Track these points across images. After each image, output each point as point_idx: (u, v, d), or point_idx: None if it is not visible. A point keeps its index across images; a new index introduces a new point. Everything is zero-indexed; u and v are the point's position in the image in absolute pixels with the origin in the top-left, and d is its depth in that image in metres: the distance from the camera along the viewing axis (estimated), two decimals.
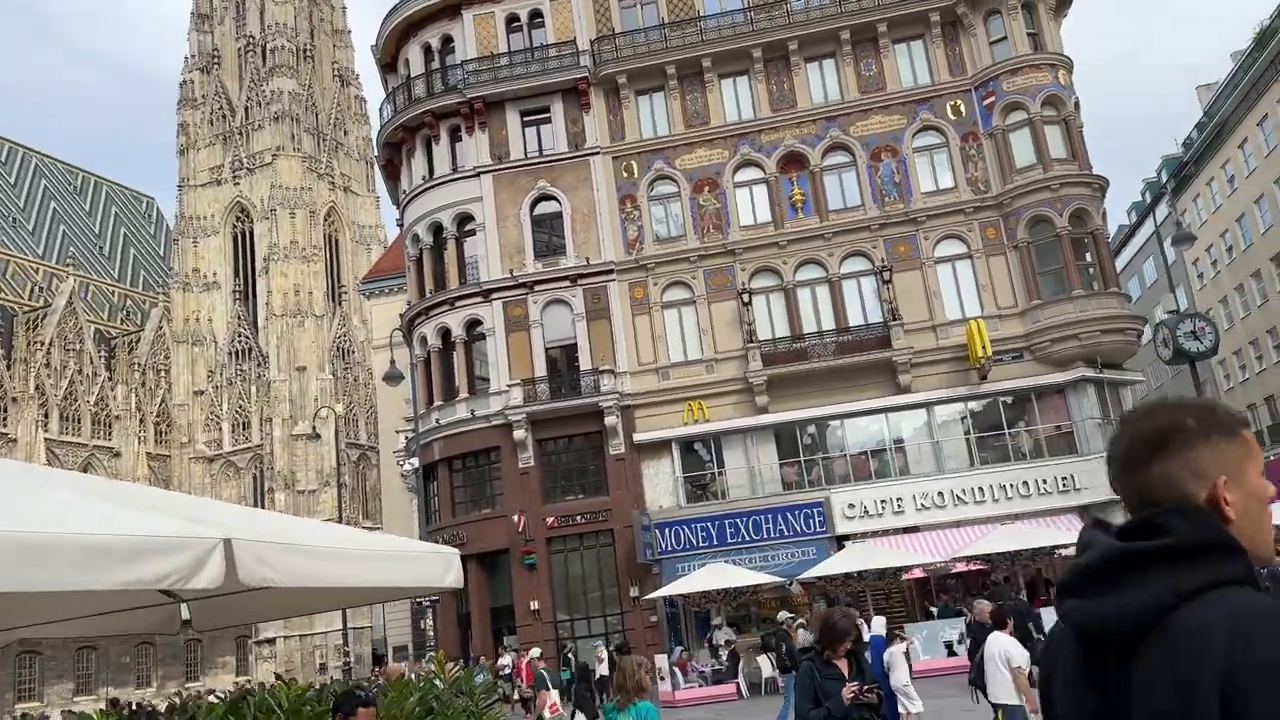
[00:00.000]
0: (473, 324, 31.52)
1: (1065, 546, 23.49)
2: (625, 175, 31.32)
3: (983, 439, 28.33)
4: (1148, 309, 41.95)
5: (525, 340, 30.79)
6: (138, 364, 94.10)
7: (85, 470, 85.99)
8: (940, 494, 27.29)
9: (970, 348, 27.58)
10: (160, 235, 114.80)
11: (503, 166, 31.96)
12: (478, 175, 32.08)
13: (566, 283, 30.92)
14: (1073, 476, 27.00)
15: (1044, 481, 27.12)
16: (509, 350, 30.79)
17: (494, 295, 31.16)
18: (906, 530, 27.05)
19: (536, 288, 31.00)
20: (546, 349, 30.78)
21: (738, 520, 28.13)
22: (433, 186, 32.70)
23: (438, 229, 32.58)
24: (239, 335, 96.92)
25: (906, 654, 12.25)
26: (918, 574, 24.96)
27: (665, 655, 23.99)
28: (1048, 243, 28.66)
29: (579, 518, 29.30)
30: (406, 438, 31.82)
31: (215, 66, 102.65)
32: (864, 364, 28.31)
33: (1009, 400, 28.37)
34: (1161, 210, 50.38)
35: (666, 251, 30.59)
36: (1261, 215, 41.41)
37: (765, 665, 22.00)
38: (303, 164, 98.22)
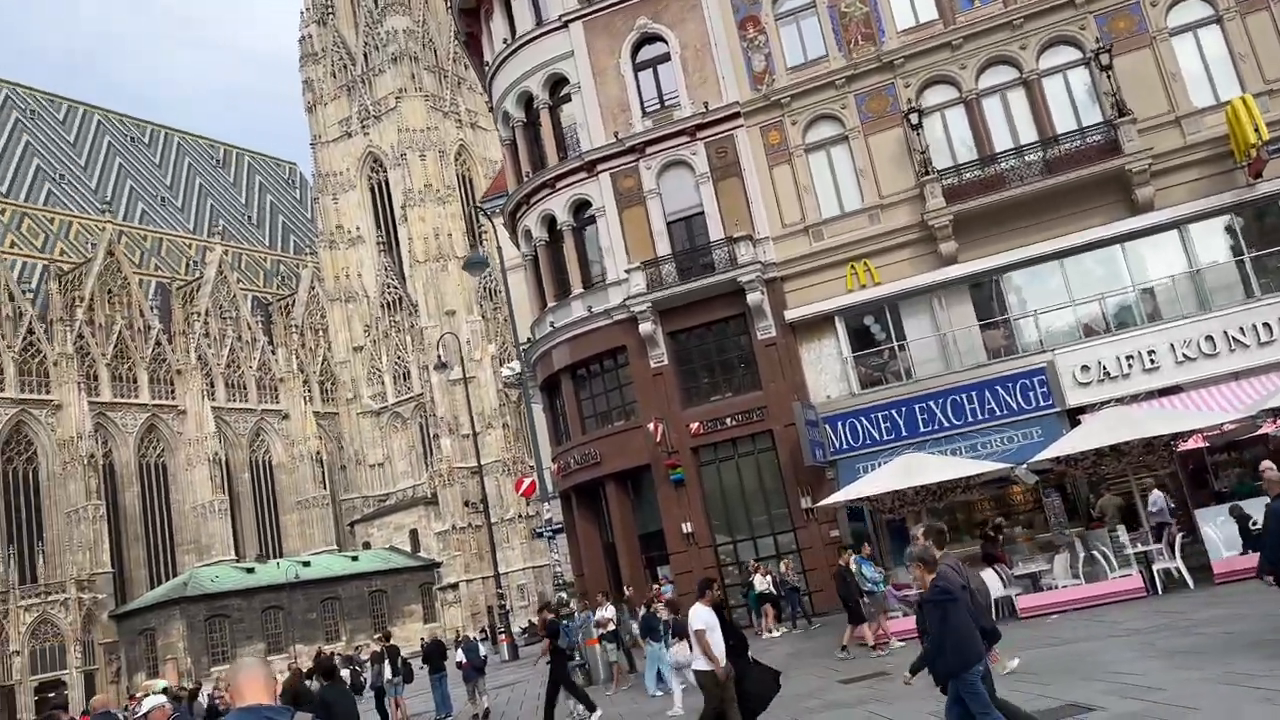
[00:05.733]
0: (580, 206, 26.24)
1: None
2: None
3: (1261, 260, 20.88)
4: None
5: (642, 215, 25.28)
6: (295, 326, 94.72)
7: (256, 435, 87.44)
8: (1209, 338, 20.20)
9: (1234, 137, 20.10)
10: (305, 198, 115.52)
11: (593, 9, 26.22)
12: (565, 25, 26.49)
13: (684, 138, 25.09)
14: None
15: None
16: (624, 230, 25.36)
17: (600, 167, 25.71)
18: (1165, 392, 20.17)
19: (648, 150, 25.31)
20: (668, 223, 25.16)
21: (930, 404, 21.98)
22: (517, 49, 27.36)
23: (528, 100, 27.31)
24: (388, 286, 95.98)
25: None
26: (1195, 443, 18.11)
27: None
28: None
29: (728, 420, 23.82)
30: (523, 349, 27.23)
31: (330, 16, 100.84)
32: (1084, 182, 21.28)
33: None
34: None
35: (805, 79, 24.22)
36: None
37: (994, 582, 16.02)
38: (426, 103, 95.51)
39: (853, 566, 15.48)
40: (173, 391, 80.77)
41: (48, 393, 71.57)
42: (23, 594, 63.59)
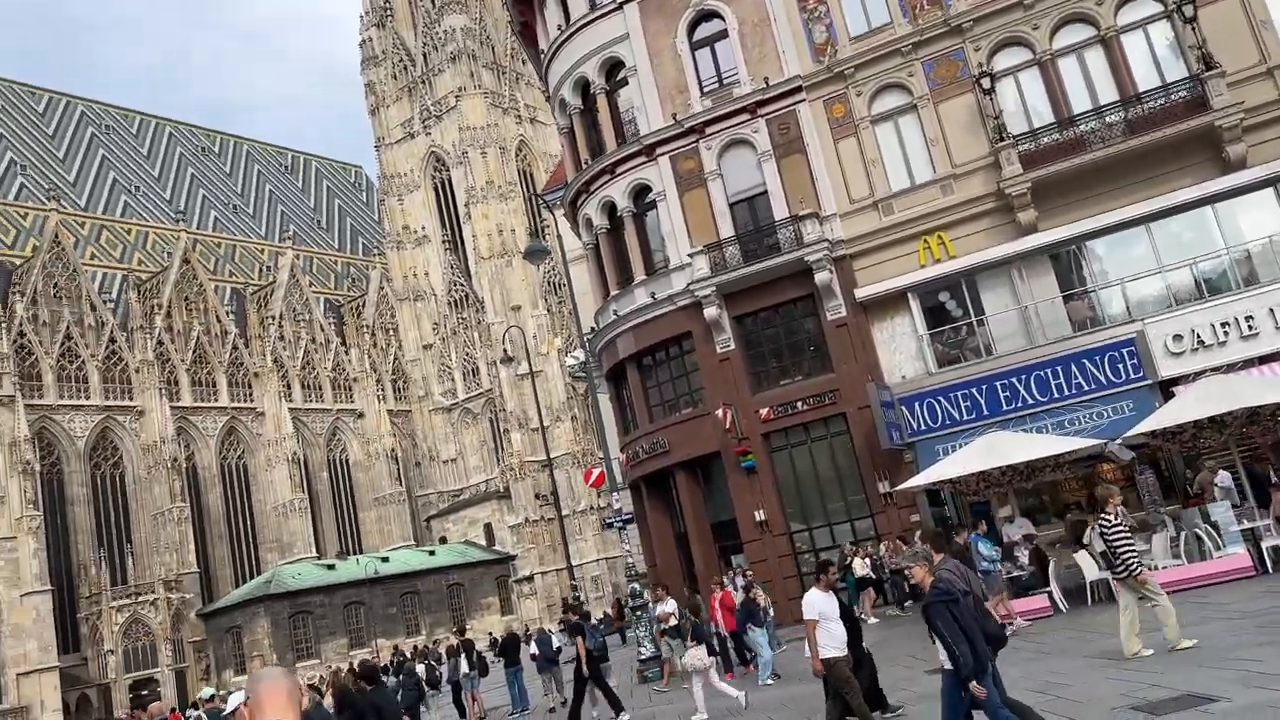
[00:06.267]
0: (640, 191, 25.82)
1: None
2: None
3: None
4: None
5: (703, 197, 24.75)
6: (366, 326, 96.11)
7: (333, 434, 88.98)
8: None
9: None
10: (371, 201, 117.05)
11: None
12: (620, 7, 26.08)
13: (744, 116, 24.48)
14: None
15: None
16: (685, 214, 24.88)
17: (659, 150, 25.25)
18: (1265, 359, 19.01)
19: (708, 130, 24.78)
20: (731, 204, 24.61)
21: (1012, 380, 21.08)
22: (572, 34, 27.01)
23: (585, 86, 26.95)
24: (454, 284, 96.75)
25: None
26: None
27: None
28: None
29: (799, 404, 23.20)
30: (587, 339, 26.93)
31: (389, 19, 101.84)
32: (1170, 141, 20.16)
33: None
34: None
35: (868, 48, 23.43)
36: None
37: (1088, 565, 15.22)
38: (485, 100, 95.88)
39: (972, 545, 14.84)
40: (250, 394, 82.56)
41: (130, 399, 73.68)
42: (114, 595, 65.60)
